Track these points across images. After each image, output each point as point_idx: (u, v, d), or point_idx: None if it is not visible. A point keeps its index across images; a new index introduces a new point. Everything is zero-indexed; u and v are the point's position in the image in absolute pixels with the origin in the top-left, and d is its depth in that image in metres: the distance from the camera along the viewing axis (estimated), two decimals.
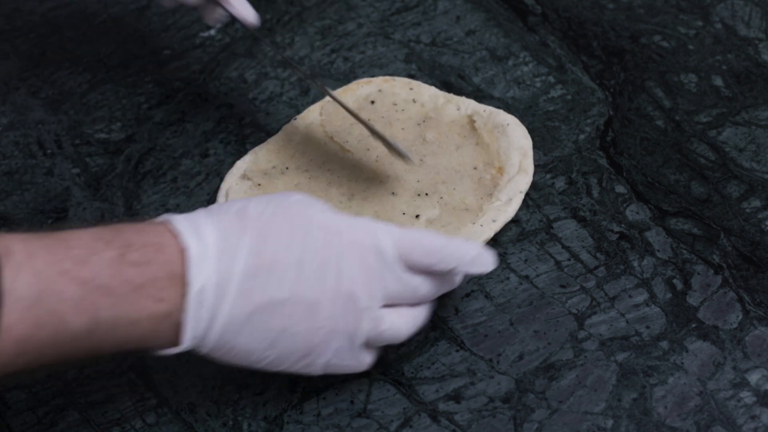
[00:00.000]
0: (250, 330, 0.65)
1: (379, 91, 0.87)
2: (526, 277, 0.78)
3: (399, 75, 0.91)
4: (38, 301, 0.59)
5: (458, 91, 0.89)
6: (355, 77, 0.91)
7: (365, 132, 0.84)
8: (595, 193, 0.83)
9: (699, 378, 0.73)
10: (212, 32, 0.95)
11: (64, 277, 0.60)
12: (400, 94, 0.87)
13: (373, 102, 0.87)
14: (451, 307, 0.77)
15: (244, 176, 0.83)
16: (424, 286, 0.69)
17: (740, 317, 0.75)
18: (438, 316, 0.76)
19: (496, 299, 0.77)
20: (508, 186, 0.81)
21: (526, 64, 0.91)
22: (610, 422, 0.71)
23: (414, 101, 0.87)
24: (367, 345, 0.69)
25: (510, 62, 0.91)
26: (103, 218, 0.83)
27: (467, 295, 0.77)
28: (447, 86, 0.90)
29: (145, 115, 0.90)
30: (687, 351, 0.74)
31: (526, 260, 0.79)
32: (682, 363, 0.73)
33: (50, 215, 0.84)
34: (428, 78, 0.90)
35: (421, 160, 0.83)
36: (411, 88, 0.87)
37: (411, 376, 0.74)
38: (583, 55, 0.91)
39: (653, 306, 0.76)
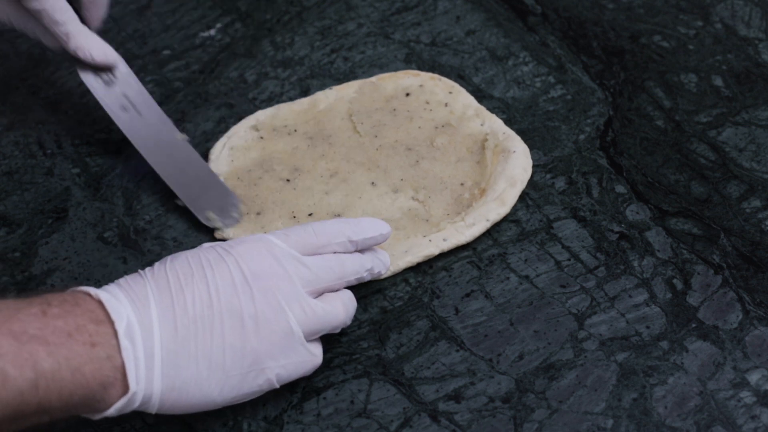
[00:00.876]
0: (188, 357, 0.66)
1: (420, 86, 0.88)
2: (526, 277, 0.78)
3: None
4: None
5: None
6: (355, 77, 0.91)
7: (384, 120, 0.85)
8: (595, 193, 0.82)
9: (699, 378, 0.73)
10: (212, 32, 0.95)
11: (8, 331, 0.61)
12: (437, 94, 0.87)
13: (408, 94, 0.88)
14: (451, 307, 0.77)
15: (254, 127, 0.86)
16: (325, 265, 0.71)
17: (740, 317, 0.75)
18: (438, 316, 0.76)
19: (496, 299, 0.77)
20: (478, 210, 0.80)
21: (526, 64, 0.91)
22: (610, 422, 0.71)
23: (446, 105, 0.87)
24: (311, 336, 0.70)
25: (510, 62, 0.91)
26: (103, 218, 0.83)
27: (467, 295, 0.77)
28: None
29: None
30: (687, 351, 0.74)
31: (526, 260, 0.79)
32: (682, 363, 0.73)
33: (50, 215, 0.84)
34: None
35: (417, 161, 0.83)
36: (450, 92, 0.88)
37: (411, 376, 0.74)
38: (583, 55, 0.91)
39: (653, 306, 0.76)
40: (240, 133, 0.86)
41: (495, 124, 0.85)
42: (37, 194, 0.85)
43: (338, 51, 0.93)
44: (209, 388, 0.67)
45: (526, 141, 0.85)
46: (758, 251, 0.79)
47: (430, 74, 0.89)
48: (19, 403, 0.61)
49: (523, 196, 0.82)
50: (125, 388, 0.65)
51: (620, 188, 0.83)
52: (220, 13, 0.96)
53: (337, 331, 0.72)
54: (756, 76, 0.89)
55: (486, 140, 0.84)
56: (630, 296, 0.77)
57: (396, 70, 0.91)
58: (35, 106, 0.91)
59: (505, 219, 0.81)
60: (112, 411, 0.65)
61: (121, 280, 0.69)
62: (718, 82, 0.88)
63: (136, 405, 0.66)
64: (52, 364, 0.62)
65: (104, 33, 0.95)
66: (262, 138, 0.85)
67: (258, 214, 0.81)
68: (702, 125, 0.86)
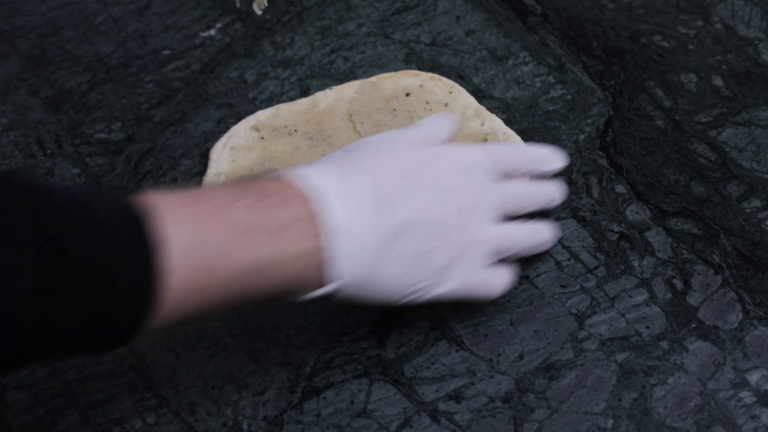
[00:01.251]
0: (386, 258, 0.68)
1: (420, 86, 0.88)
2: (526, 277, 0.78)
3: None
4: (192, 247, 0.61)
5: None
6: (355, 77, 0.91)
7: (384, 120, 0.85)
8: (595, 193, 0.82)
9: (699, 378, 0.73)
10: (212, 32, 0.95)
11: (210, 223, 0.62)
12: (437, 94, 0.87)
13: (408, 95, 0.88)
14: (451, 307, 0.77)
15: (255, 127, 0.86)
16: (522, 190, 0.75)
17: (740, 317, 0.75)
18: (438, 316, 0.76)
19: (496, 299, 0.77)
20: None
21: (526, 64, 0.91)
22: (610, 422, 0.71)
23: (446, 105, 0.87)
24: (497, 261, 0.73)
25: (510, 62, 0.91)
26: None
27: None
28: None
29: (145, 115, 0.90)
30: (687, 351, 0.74)
31: (526, 260, 0.79)
32: (682, 363, 0.73)
33: None
34: None
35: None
36: (450, 92, 0.88)
37: (411, 376, 0.74)
38: (583, 55, 0.91)
39: (653, 306, 0.76)
40: (240, 133, 0.86)
41: (495, 123, 0.85)
42: None
43: (338, 51, 0.93)
44: (397, 287, 0.69)
45: (525, 141, 0.85)
46: (758, 251, 0.79)
47: (430, 74, 0.89)
48: (227, 292, 0.63)
49: None
50: (324, 280, 0.67)
51: (620, 188, 0.83)
52: (220, 13, 0.96)
53: (526, 254, 0.75)
54: (756, 76, 0.89)
55: (486, 140, 0.84)
56: (630, 296, 0.77)
57: (396, 70, 0.91)
58: (35, 106, 0.91)
59: None
60: (311, 295, 0.68)
61: (337, 166, 0.69)
62: (718, 82, 0.88)
63: (333, 291, 0.68)
64: (269, 252, 0.64)
65: (104, 33, 0.95)
66: (262, 138, 0.85)
67: None
68: (702, 125, 0.86)
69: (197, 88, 0.91)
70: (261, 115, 0.87)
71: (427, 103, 0.87)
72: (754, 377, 0.73)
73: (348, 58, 0.92)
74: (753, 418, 0.71)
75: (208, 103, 0.90)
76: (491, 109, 0.88)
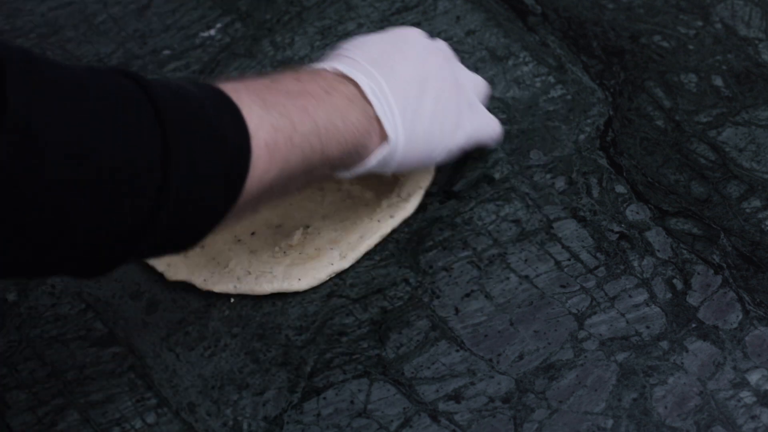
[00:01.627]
0: (416, 113, 0.73)
1: None
2: (526, 277, 0.78)
3: None
4: (263, 113, 0.64)
5: None
6: None
7: None
8: (595, 193, 0.82)
9: (699, 378, 0.73)
10: (212, 32, 0.95)
11: (267, 92, 0.66)
12: None
13: None
14: (451, 307, 0.77)
15: None
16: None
17: (740, 317, 0.75)
18: (438, 316, 0.76)
19: (496, 299, 0.77)
20: (409, 182, 0.82)
21: (526, 64, 0.91)
22: (610, 422, 0.71)
23: None
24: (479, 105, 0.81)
25: (510, 62, 0.91)
26: None
27: (467, 295, 0.78)
28: None
29: None
30: (687, 351, 0.74)
31: (526, 260, 0.79)
32: (682, 363, 0.73)
33: None
34: None
35: None
36: None
37: (411, 376, 0.74)
38: (583, 55, 0.91)
39: (653, 306, 0.76)
40: None
41: None
42: None
43: None
44: (432, 142, 0.75)
45: (526, 141, 0.85)
46: (758, 251, 0.79)
47: None
48: (308, 152, 0.67)
49: (524, 196, 0.82)
50: (383, 137, 0.72)
51: (620, 188, 0.83)
52: (220, 13, 0.96)
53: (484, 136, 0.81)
54: (756, 76, 0.89)
55: None
56: (630, 296, 0.77)
57: None
58: None
59: (505, 219, 0.81)
60: (372, 160, 0.72)
61: (333, 57, 0.74)
62: (718, 82, 0.88)
63: (388, 154, 0.72)
64: (325, 112, 0.68)
65: (104, 33, 0.95)
66: None
67: (202, 247, 0.79)
68: (702, 125, 0.86)
69: None
70: None
71: None
72: (754, 377, 0.73)
73: None
74: (753, 418, 0.71)
75: None
76: (491, 110, 0.88)
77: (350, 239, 0.80)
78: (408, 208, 0.81)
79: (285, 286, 0.78)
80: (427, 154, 0.75)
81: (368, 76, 0.72)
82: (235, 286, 0.78)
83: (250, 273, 0.78)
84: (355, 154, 0.71)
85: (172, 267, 0.79)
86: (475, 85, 0.82)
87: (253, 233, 0.80)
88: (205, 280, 0.78)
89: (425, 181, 0.82)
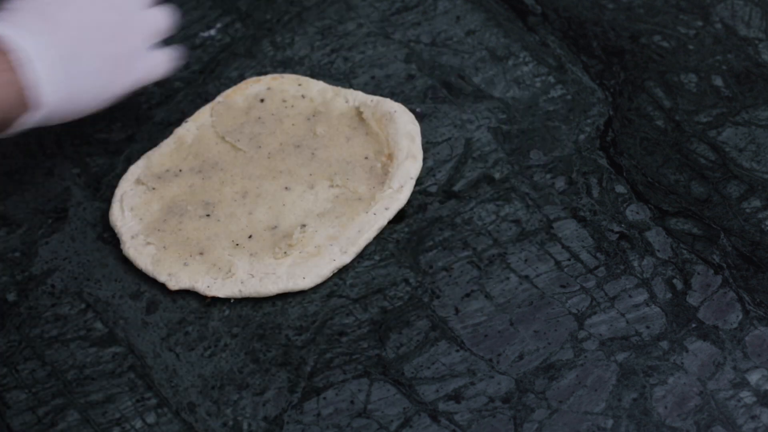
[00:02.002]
0: (83, 62, 0.76)
1: (268, 89, 0.89)
2: (526, 277, 0.78)
3: (399, 75, 0.91)
4: None
5: (458, 92, 0.89)
6: (355, 77, 0.91)
7: (256, 130, 0.86)
8: (595, 193, 0.83)
9: (699, 378, 0.73)
10: (212, 32, 0.95)
11: None
12: (288, 91, 0.88)
13: (262, 100, 0.88)
14: (451, 307, 0.77)
15: (138, 181, 0.84)
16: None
17: (740, 317, 0.75)
18: (438, 316, 0.76)
19: (496, 299, 0.77)
20: (398, 172, 0.83)
21: (526, 64, 0.91)
22: (610, 422, 0.71)
23: (303, 97, 0.88)
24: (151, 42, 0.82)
25: (510, 62, 0.91)
26: (103, 218, 0.83)
27: (467, 295, 0.78)
28: (447, 86, 0.90)
29: (145, 115, 0.90)
30: (687, 351, 0.74)
31: (526, 260, 0.79)
32: (682, 363, 0.73)
33: (50, 215, 0.84)
34: (428, 78, 0.90)
35: (313, 153, 0.84)
36: (300, 84, 0.89)
37: (411, 376, 0.74)
38: (583, 55, 0.91)
39: (653, 306, 0.76)
40: (128, 192, 0.83)
41: (358, 96, 0.87)
42: (37, 194, 0.85)
43: (338, 51, 0.93)
44: (95, 93, 0.78)
45: (526, 141, 0.85)
46: (758, 251, 0.79)
47: (271, 75, 0.89)
48: None
49: (524, 196, 0.82)
50: (34, 103, 0.75)
51: (620, 188, 0.83)
52: (220, 13, 0.96)
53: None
54: (756, 76, 0.89)
55: (361, 112, 0.86)
56: (630, 296, 0.77)
57: (396, 70, 0.91)
58: None
59: (505, 219, 0.81)
60: (19, 127, 0.76)
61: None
62: (718, 82, 0.88)
63: (42, 117, 0.76)
64: None
65: None
66: (154, 189, 0.84)
67: (201, 254, 0.80)
68: (702, 125, 0.86)
69: (197, 88, 0.91)
70: (136, 169, 0.85)
71: (284, 101, 0.88)
72: (754, 377, 0.73)
73: (348, 58, 0.92)
74: (753, 418, 0.71)
75: (208, 103, 0.90)
76: (491, 109, 0.88)
77: (348, 234, 0.80)
78: (401, 198, 0.82)
79: (290, 285, 0.78)
80: (89, 104, 0.79)
81: (27, 34, 0.74)
82: (240, 290, 0.78)
83: (253, 276, 0.78)
84: (2, 121, 0.75)
85: (174, 277, 0.79)
86: (150, 23, 0.82)
87: (250, 236, 0.81)
88: (208, 286, 0.78)
89: (414, 171, 0.83)
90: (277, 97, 0.88)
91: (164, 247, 0.80)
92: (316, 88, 0.88)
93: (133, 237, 0.81)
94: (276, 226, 0.81)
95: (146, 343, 0.77)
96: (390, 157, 0.84)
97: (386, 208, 0.81)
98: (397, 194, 0.82)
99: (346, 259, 0.80)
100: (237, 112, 0.87)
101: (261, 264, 0.79)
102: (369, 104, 0.87)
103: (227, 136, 0.86)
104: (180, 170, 0.85)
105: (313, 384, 0.74)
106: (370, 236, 0.81)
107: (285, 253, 0.79)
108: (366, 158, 0.84)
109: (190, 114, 0.89)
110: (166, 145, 0.86)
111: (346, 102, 0.87)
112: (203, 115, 0.88)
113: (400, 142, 0.84)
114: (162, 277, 0.79)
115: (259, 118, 0.87)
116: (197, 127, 0.87)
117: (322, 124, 0.86)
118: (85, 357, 0.76)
